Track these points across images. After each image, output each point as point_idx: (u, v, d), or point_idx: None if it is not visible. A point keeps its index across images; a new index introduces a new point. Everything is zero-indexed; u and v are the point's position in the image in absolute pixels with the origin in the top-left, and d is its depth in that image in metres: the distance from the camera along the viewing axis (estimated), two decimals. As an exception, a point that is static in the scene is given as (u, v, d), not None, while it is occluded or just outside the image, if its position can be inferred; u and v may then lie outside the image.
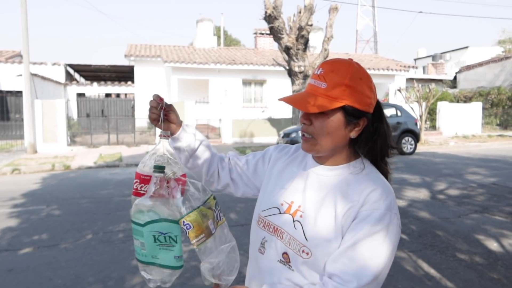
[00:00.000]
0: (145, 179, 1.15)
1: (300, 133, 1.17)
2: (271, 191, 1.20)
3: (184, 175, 1.14)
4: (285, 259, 1.08)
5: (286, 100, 1.10)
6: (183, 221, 1.06)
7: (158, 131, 1.20)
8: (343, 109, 1.04)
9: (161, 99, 1.17)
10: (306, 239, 1.04)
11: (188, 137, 1.23)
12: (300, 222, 1.07)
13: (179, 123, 1.23)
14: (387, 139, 1.13)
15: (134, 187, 1.17)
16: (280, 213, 1.12)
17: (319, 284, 1.01)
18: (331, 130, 1.05)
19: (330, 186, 1.09)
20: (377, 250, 0.98)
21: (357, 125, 1.07)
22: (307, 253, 1.03)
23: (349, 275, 0.97)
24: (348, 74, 1.04)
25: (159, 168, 1.08)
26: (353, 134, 1.07)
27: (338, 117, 1.04)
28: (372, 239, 0.98)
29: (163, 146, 1.16)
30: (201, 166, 1.28)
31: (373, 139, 1.10)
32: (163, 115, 1.17)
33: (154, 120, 1.18)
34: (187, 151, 1.24)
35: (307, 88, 1.09)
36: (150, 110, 1.18)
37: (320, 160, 1.14)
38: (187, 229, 1.06)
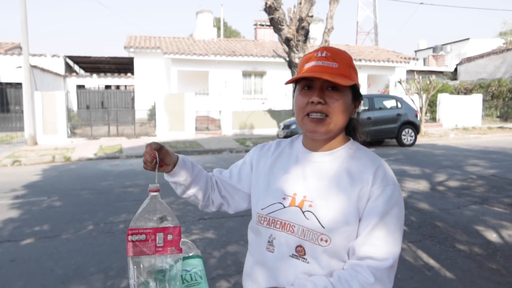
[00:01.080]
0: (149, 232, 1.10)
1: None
2: (266, 189, 1.18)
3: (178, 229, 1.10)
4: (299, 252, 1.07)
5: (301, 77, 1.08)
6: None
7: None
8: (352, 88, 1.11)
9: (155, 155, 1.12)
10: (322, 226, 1.04)
11: (185, 172, 1.21)
12: (311, 212, 1.06)
13: (174, 162, 1.19)
14: (359, 120, 1.22)
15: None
16: (284, 207, 1.11)
17: (349, 268, 1.02)
18: (345, 108, 1.10)
19: (333, 171, 1.10)
20: (397, 224, 1.04)
21: (356, 105, 1.15)
22: (326, 240, 1.03)
23: (382, 254, 1.01)
24: (349, 56, 1.12)
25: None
26: (353, 114, 1.16)
27: (349, 96, 1.11)
28: (391, 214, 1.03)
29: (154, 201, 1.09)
30: (197, 194, 1.27)
31: (357, 119, 1.20)
32: (159, 166, 1.14)
33: (151, 170, 1.15)
34: (184, 184, 1.23)
35: (314, 69, 1.08)
36: (144, 163, 1.15)
37: (315, 147, 1.15)
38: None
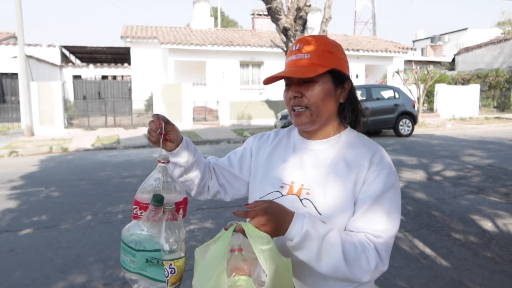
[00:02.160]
0: (144, 207, 1.07)
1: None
2: (264, 178, 1.19)
3: (185, 200, 1.10)
4: None
5: (274, 77, 1.10)
6: (170, 264, 0.99)
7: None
8: (331, 73, 1.09)
9: (160, 124, 1.09)
10: (319, 213, 1.06)
11: (187, 153, 1.18)
12: (309, 200, 1.08)
13: (178, 141, 1.16)
14: (360, 105, 1.21)
15: (134, 212, 1.09)
16: (282, 195, 1.12)
17: (356, 233, 1.03)
18: (324, 96, 1.09)
19: (329, 158, 1.12)
20: (392, 205, 1.04)
21: (343, 89, 1.13)
22: None
23: (374, 231, 1.01)
24: (325, 42, 1.11)
25: (157, 201, 1.01)
26: (341, 98, 1.14)
27: (328, 82, 1.09)
28: (386, 196, 1.04)
29: (163, 172, 1.07)
30: (194, 179, 1.24)
31: (356, 104, 1.18)
32: (163, 139, 1.10)
33: (154, 142, 1.11)
34: (184, 166, 1.19)
35: (289, 64, 1.11)
36: (149, 132, 1.11)
37: (311, 135, 1.17)
38: (171, 273, 0.99)
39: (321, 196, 1.07)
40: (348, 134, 1.16)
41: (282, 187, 1.13)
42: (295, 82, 1.10)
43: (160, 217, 1.01)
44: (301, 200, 1.09)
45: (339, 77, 1.11)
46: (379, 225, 1.02)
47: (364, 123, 1.22)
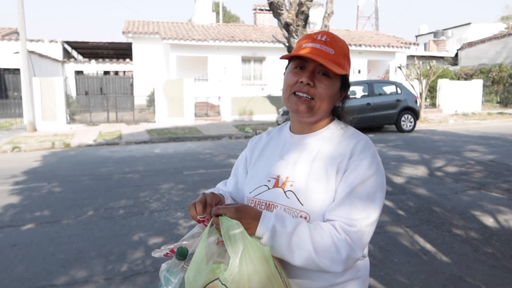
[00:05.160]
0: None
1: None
2: (255, 174, 1.24)
3: None
4: None
5: (296, 55, 1.11)
6: None
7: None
8: (342, 77, 1.14)
9: (207, 222, 1.09)
10: (301, 204, 1.08)
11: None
12: (292, 191, 1.11)
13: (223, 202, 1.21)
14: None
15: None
16: (269, 189, 1.16)
17: (327, 223, 1.04)
18: (332, 94, 1.12)
19: (315, 151, 1.15)
20: (370, 195, 1.05)
21: (342, 94, 1.18)
22: (306, 217, 1.08)
23: (350, 220, 1.02)
24: (346, 46, 1.14)
25: (181, 255, 1.05)
26: (338, 102, 1.19)
27: (338, 84, 1.13)
28: (366, 185, 1.05)
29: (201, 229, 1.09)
30: None
31: (346, 110, 1.24)
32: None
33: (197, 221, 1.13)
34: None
35: (311, 50, 1.11)
36: (191, 212, 1.13)
37: (301, 130, 1.19)
38: None
39: (303, 188, 1.10)
40: (335, 127, 1.19)
41: (269, 181, 1.17)
42: (311, 70, 1.10)
43: (178, 270, 1.04)
44: (285, 192, 1.12)
45: (345, 83, 1.16)
46: (354, 214, 1.02)
47: (354, 119, 1.26)
